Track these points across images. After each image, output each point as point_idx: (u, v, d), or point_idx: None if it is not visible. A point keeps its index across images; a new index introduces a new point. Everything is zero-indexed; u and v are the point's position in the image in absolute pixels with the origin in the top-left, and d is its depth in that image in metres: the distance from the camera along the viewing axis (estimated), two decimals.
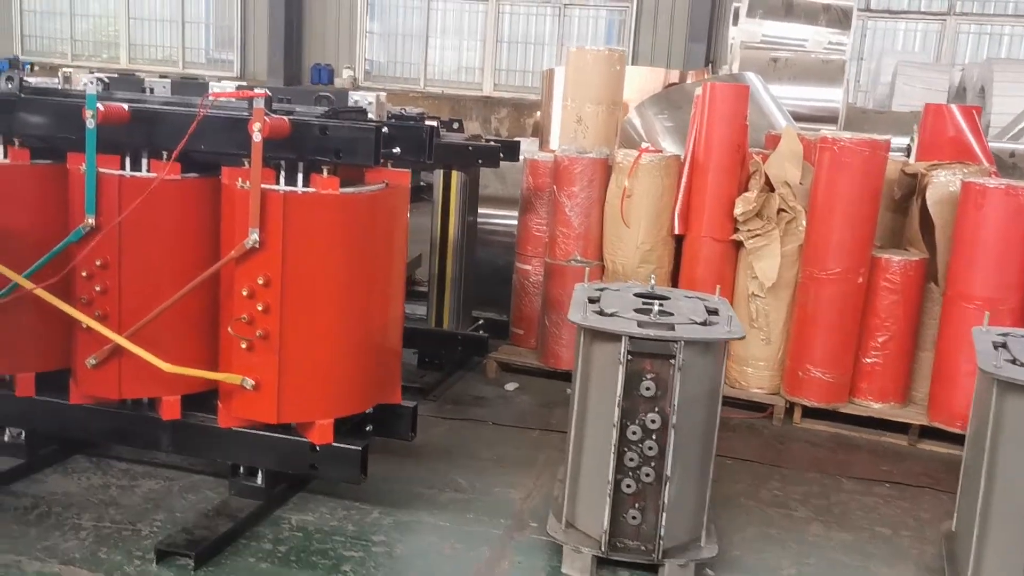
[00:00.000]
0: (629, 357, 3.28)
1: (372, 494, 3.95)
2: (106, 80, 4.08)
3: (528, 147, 6.91)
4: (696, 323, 3.39)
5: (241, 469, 3.79)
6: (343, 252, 3.49)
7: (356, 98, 3.96)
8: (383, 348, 3.78)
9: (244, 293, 3.39)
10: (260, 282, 3.37)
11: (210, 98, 3.33)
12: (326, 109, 3.55)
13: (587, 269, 4.49)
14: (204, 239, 3.59)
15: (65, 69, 4.37)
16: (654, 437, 3.32)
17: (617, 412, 3.30)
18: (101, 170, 3.51)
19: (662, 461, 3.33)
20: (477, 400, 5.37)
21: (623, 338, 3.26)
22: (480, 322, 6.11)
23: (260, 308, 3.39)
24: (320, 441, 3.55)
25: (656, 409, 3.32)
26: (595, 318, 3.39)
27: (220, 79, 16.09)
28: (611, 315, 3.43)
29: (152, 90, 4.14)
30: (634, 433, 3.33)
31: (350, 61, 17.96)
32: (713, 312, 3.60)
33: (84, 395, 3.72)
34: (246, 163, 3.41)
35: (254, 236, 3.34)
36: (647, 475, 3.35)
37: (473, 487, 4.18)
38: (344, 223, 3.47)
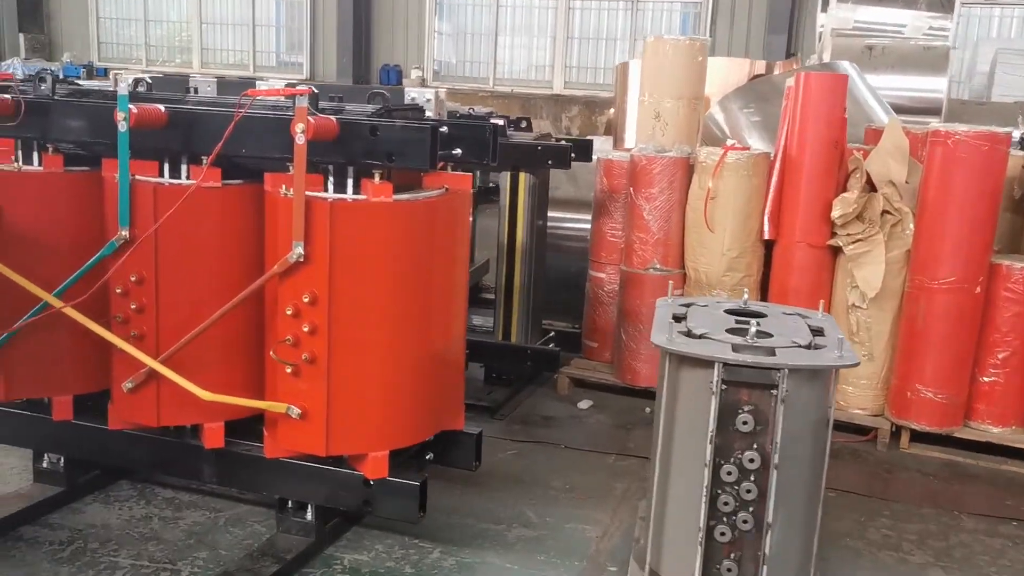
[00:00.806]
0: (723, 386, 2.84)
1: (433, 529, 3.59)
2: (149, 80, 3.81)
3: (601, 146, 6.48)
4: (800, 347, 2.94)
5: (290, 503, 3.46)
6: (398, 265, 3.12)
7: (413, 95, 3.61)
8: (444, 370, 3.41)
9: (288, 312, 3.05)
10: (306, 300, 3.03)
11: (248, 97, 2.99)
12: (379, 107, 3.20)
13: (671, 282, 4.04)
14: (248, 252, 3.27)
15: (116, 71, 4.11)
16: (752, 478, 2.88)
17: (709, 450, 2.87)
18: (137, 178, 3.22)
19: (762, 506, 2.88)
20: (548, 420, 4.97)
21: (716, 365, 2.82)
22: (551, 334, 5.71)
23: (306, 329, 3.04)
24: (374, 475, 3.19)
25: (755, 446, 2.87)
26: (682, 341, 2.96)
27: (291, 82, 15.98)
28: (700, 337, 2.99)
29: (196, 90, 3.85)
30: (729, 473, 2.89)
31: (419, 62, 17.72)
32: (818, 332, 3.14)
33: (122, 420, 3.44)
34: (291, 168, 3.08)
35: (298, 249, 2.99)
36: (744, 522, 2.90)
37: (544, 522, 3.78)
38: (398, 233, 3.10)
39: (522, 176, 5.18)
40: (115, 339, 3.18)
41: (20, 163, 3.46)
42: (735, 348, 2.88)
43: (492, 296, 5.74)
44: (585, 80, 17.25)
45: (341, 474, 3.26)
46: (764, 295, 4.99)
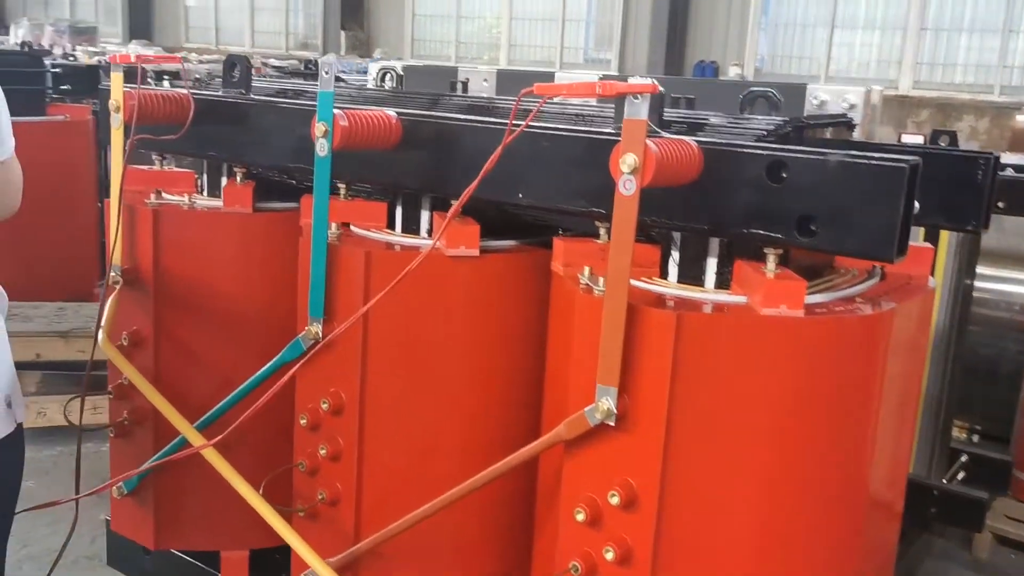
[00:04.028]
0: None
1: None
2: (400, 72, 2.54)
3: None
4: None
5: None
6: (803, 436, 1.54)
7: (822, 97, 2.03)
8: None
9: (579, 517, 1.57)
10: (614, 502, 1.53)
11: (530, 98, 1.53)
12: (779, 122, 1.63)
13: None
14: (518, 377, 1.86)
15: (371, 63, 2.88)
16: None
17: None
18: (352, 230, 1.92)
19: None
20: None
21: None
22: (962, 459, 3.81)
23: (610, 556, 1.55)
24: None
25: None
26: None
27: (608, 74, 14.75)
28: None
29: (465, 85, 2.51)
30: None
31: (738, 57, 15.92)
32: None
33: None
34: (604, 234, 1.62)
35: (606, 403, 1.50)
36: None
37: None
38: (815, 378, 1.52)
39: None
40: (280, 525, 1.87)
41: (205, 194, 2.29)
42: None
43: None
44: (936, 79, 14.54)
45: None
46: None
